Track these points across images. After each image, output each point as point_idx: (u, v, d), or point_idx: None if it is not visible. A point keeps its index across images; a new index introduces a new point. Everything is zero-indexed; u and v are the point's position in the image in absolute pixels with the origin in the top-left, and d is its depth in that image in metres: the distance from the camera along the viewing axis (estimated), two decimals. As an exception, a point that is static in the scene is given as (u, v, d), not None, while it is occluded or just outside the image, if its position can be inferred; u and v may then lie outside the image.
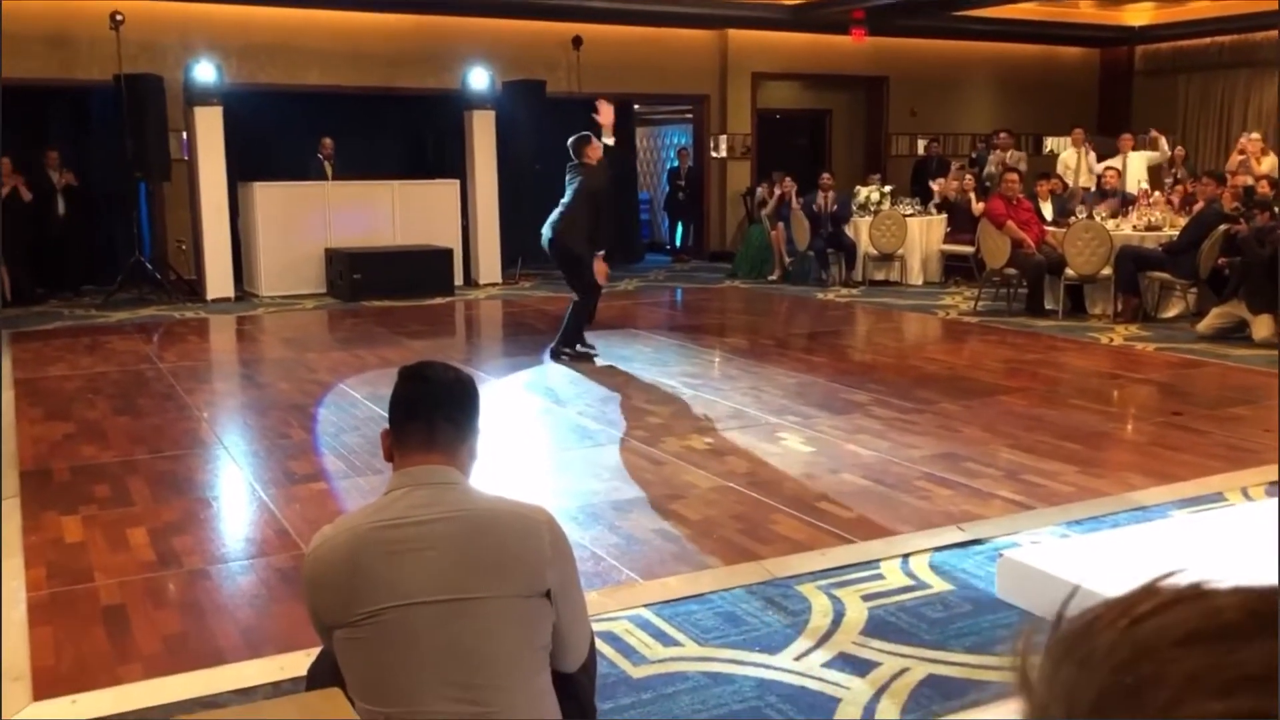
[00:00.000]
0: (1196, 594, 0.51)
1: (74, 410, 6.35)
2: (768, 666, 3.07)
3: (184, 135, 11.39)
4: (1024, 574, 3.49)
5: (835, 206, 11.94)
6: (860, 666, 3.06)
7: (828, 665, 3.08)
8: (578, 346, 7.71)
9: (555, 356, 7.69)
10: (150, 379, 7.28)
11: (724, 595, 3.56)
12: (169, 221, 11.95)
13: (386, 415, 2.03)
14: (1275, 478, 4.76)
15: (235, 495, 4.87)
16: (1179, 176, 11.73)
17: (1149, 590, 0.53)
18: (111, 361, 7.91)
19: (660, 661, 3.10)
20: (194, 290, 11.28)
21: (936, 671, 3.03)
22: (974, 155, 14.09)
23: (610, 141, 7.62)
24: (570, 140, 7.51)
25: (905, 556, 3.89)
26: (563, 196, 7.44)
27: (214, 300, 11.02)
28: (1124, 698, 0.48)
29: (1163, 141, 12.50)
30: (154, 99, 10.90)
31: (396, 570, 1.83)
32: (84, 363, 7.87)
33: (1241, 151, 11.34)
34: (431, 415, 1.95)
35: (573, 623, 1.97)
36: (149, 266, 11.21)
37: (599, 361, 7.63)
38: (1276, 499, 3.58)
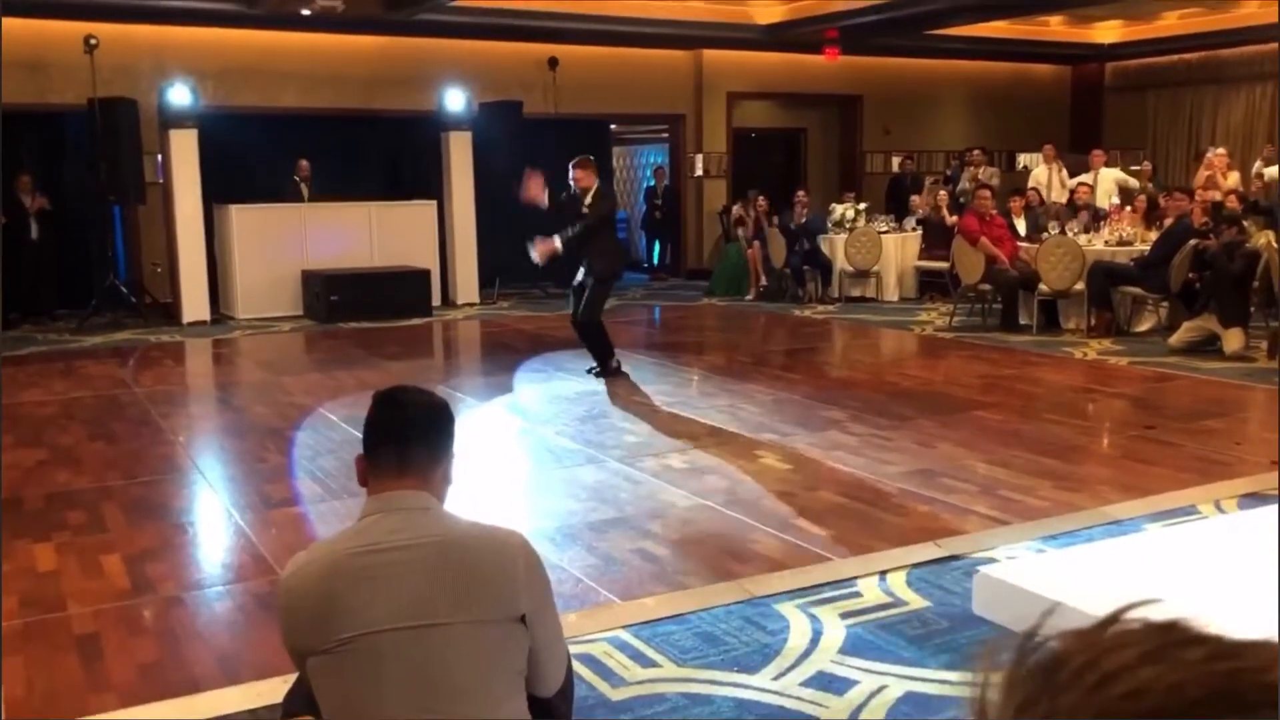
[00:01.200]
0: (1165, 654, 0.50)
1: (48, 436, 6.30)
2: (746, 686, 3.07)
3: (159, 158, 11.35)
4: (1001, 590, 3.51)
5: (804, 222, 11.99)
6: (838, 685, 3.07)
7: (806, 684, 3.08)
8: (609, 364, 7.75)
9: (609, 374, 7.69)
10: (125, 404, 7.23)
11: (702, 615, 3.56)
12: (144, 244, 11.90)
13: (361, 440, 2.03)
14: (1248, 490, 4.81)
15: (211, 520, 4.84)
16: (1148, 191, 11.85)
17: (1113, 634, 0.52)
18: (86, 386, 7.85)
19: (639, 683, 3.10)
20: (170, 313, 11.22)
21: (915, 689, 3.04)
22: (948, 172, 14.21)
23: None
24: (587, 159, 7.70)
25: (883, 574, 3.90)
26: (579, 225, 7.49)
27: (190, 323, 10.96)
28: None
29: (1145, 171, 12.72)
30: (128, 122, 10.87)
31: (368, 597, 1.82)
32: (58, 388, 7.81)
33: (1209, 167, 11.48)
34: (404, 441, 1.95)
35: (548, 647, 1.96)
36: (124, 290, 11.15)
37: (579, 379, 7.64)
38: (1277, 508, 3.61)
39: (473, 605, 1.84)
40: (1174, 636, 0.51)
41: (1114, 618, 0.53)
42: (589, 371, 7.76)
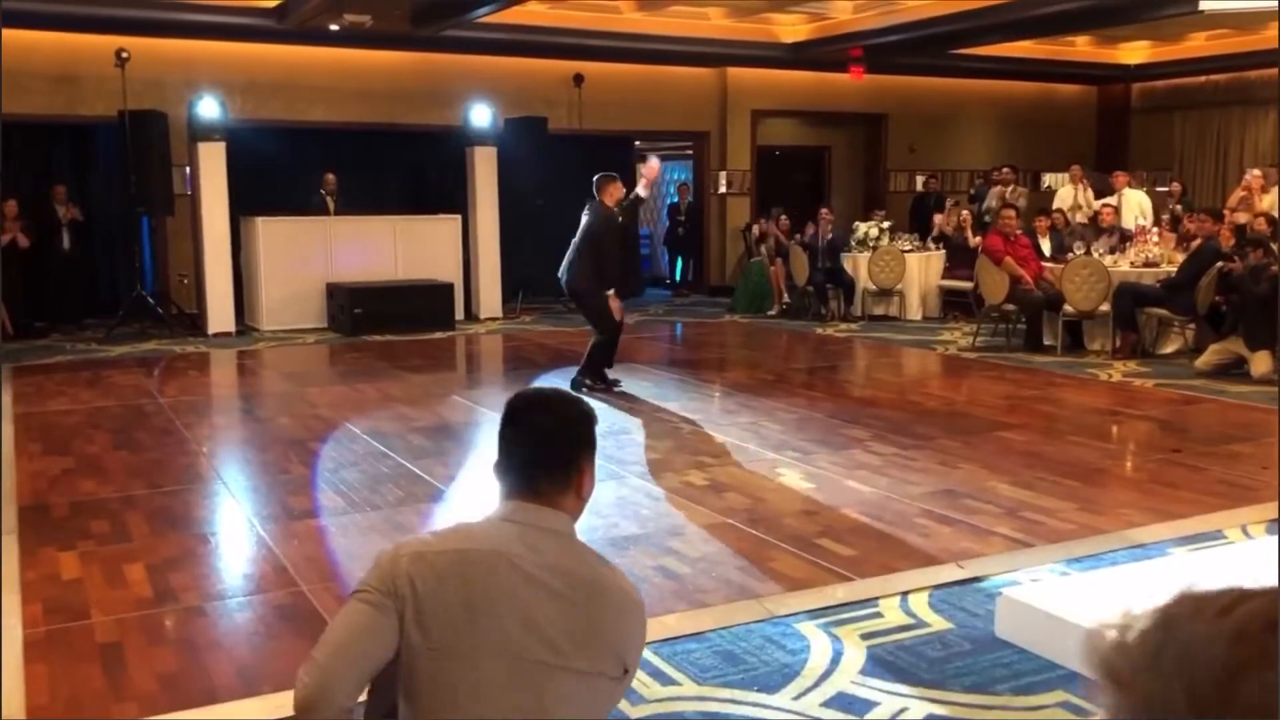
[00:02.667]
0: (1252, 592, 0.64)
1: (73, 445, 6.35)
2: (766, 706, 3.06)
3: (187, 170, 11.47)
4: (1024, 613, 3.48)
5: (829, 239, 11.98)
6: (859, 706, 3.05)
7: (826, 705, 3.06)
8: (598, 382, 7.75)
9: (575, 387, 7.71)
10: (150, 413, 7.28)
11: (723, 634, 3.54)
12: (171, 256, 12.01)
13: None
14: (1275, 515, 4.75)
15: (234, 531, 4.86)
16: (1176, 213, 11.78)
17: (1196, 595, 0.65)
18: (112, 396, 7.91)
19: (658, 701, 3.09)
20: (195, 324, 11.31)
21: (935, 711, 3.02)
22: (973, 191, 14.17)
23: (644, 194, 7.71)
24: (596, 177, 7.58)
25: (904, 594, 3.88)
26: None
27: (215, 334, 11.04)
28: (1239, 670, 0.58)
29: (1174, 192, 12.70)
30: (158, 134, 10.99)
31: (510, 613, 1.77)
32: (84, 397, 7.87)
33: (1245, 188, 11.38)
34: (527, 468, 1.89)
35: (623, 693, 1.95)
36: (151, 300, 11.25)
37: (608, 395, 7.64)
38: (1278, 536, 3.57)
39: (592, 654, 1.79)
40: (1244, 588, 0.65)
41: (1184, 591, 0.66)
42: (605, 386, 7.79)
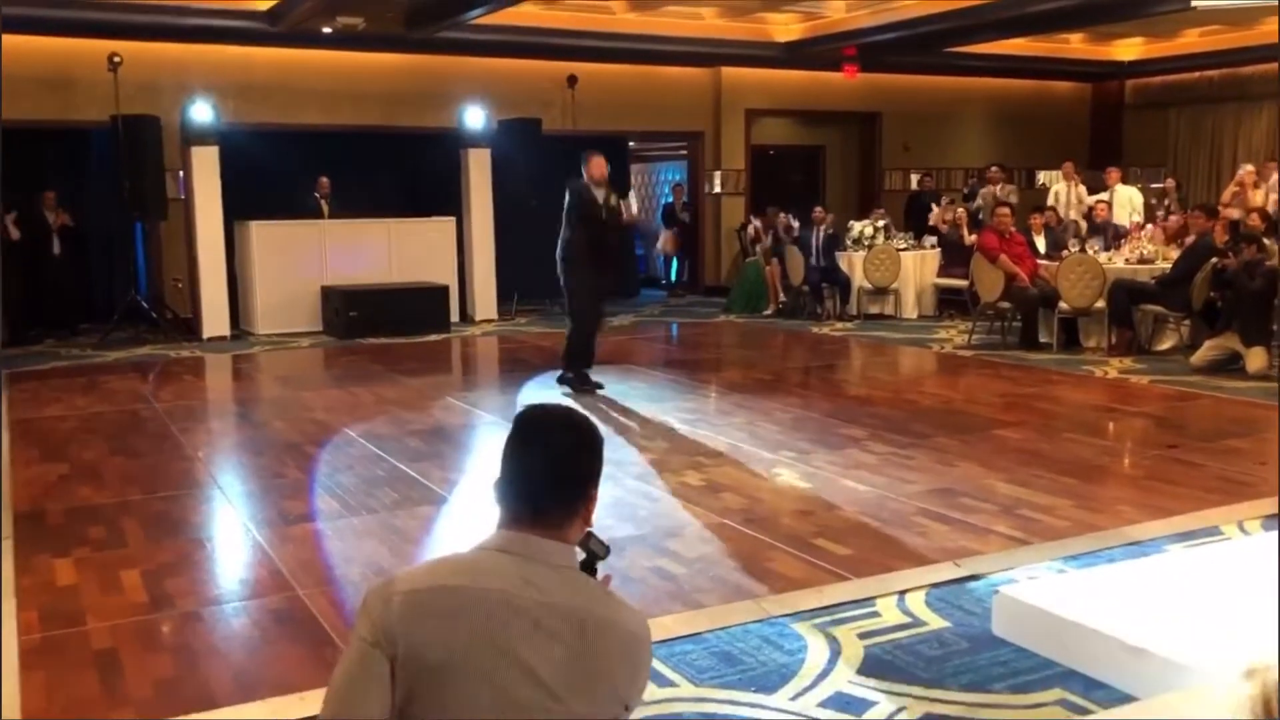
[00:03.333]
0: None
1: (69, 451, 6.34)
2: (764, 707, 3.05)
3: (181, 174, 11.46)
4: (1021, 611, 3.48)
5: (825, 239, 11.98)
6: (857, 706, 3.05)
7: (824, 705, 3.06)
8: (581, 384, 7.77)
9: (560, 382, 7.81)
10: (146, 419, 7.27)
11: (720, 634, 3.54)
12: (165, 260, 11.99)
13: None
14: (1273, 511, 4.76)
15: (229, 536, 4.85)
16: (1171, 209, 11.80)
17: None
18: (107, 401, 7.90)
19: (656, 703, 3.08)
20: (190, 328, 11.30)
21: (934, 710, 3.02)
22: (966, 190, 14.18)
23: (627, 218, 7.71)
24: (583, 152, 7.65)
25: (902, 593, 3.87)
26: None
27: (210, 338, 11.03)
28: None
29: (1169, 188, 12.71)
30: (151, 139, 10.97)
31: (511, 653, 1.69)
32: (80, 403, 7.86)
33: (1238, 184, 11.39)
34: (536, 494, 1.78)
35: None
36: (145, 305, 11.24)
37: (597, 394, 7.64)
38: (1277, 531, 3.58)
39: (592, 697, 1.71)
40: None
41: None
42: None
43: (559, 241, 7.61)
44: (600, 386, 7.80)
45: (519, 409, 1.95)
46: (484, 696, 1.67)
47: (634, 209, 7.58)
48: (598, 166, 7.53)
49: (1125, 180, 12.21)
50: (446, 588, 1.73)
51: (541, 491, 1.77)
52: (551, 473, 1.79)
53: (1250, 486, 5.17)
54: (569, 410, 1.89)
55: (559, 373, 7.92)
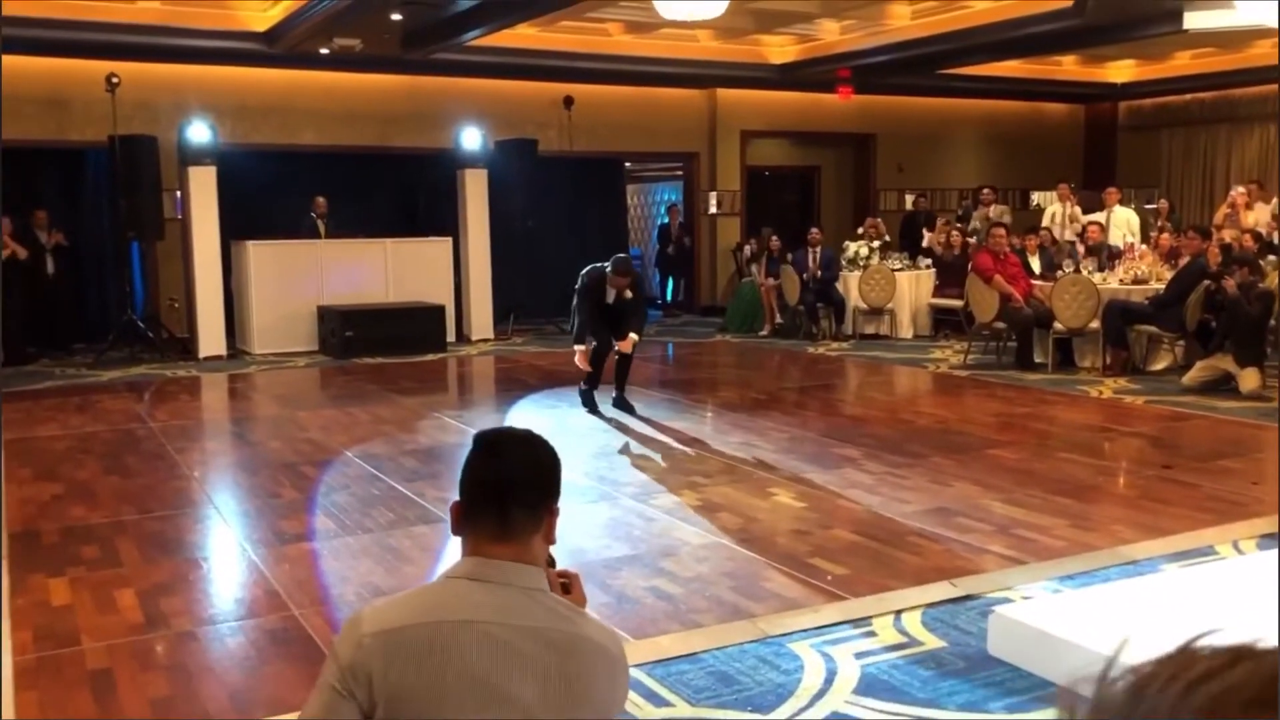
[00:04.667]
0: (1251, 654, 0.53)
1: (63, 470, 6.33)
2: (760, 726, 3.05)
3: (178, 194, 11.48)
4: (1017, 630, 3.48)
5: (821, 263, 12.03)
6: (853, 726, 3.04)
7: (820, 725, 3.06)
8: (592, 395, 7.91)
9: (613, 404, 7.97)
10: (141, 438, 7.26)
11: (716, 654, 3.54)
12: (162, 279, 12.01)
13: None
14: (1267, 530, 4.77)
15: (225, 555, 4.84)
16: (1164, 228, 11.84)
17: (1190, 653, 0.54)
18: (102, 421, 7.89)
19: (652, 722, 3.08)
20: (186, 348, 11.29)
21: (930, 730, 3.02)
22: (960, 212, 14.23)
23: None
24: (619, 262, 7.80)
25: (898, 613, 3.87)
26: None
27: (206, 358, 11.02)
28: None
29: (1162, 209, 12.77)
30: (148, 159, 11.00)
31: (467, 693, 1.67)
32: (74, 422, 7.85)
33: (1231, 205, 11.44)
34: (503, 502, 1.77)
35: None
36: (141, 325, 11.23)
37: (592, 416, 7.67)
38: (1277, 549, 3.58)
39: (578, 717, 1.71)
40: (1248, 648, 0.53)
41: (1185, 645, 0.55)
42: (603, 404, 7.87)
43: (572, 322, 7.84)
44: (595, 408, 7.85)
45: (522, 426, 1.97)
46: None
47: (632, 343, 7.81)
48: (617, 284, 7.69)
49: (1120, 201, 12.26)
50: (418, 625, 1.70)
51: (509, 497, 1.76)
52: (517, 479, 1.79)
53: (1244, 506, 5.18)
54: (527, 430, 1.91)
55: (614, 395, 7.99)
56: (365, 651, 1.66)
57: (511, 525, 1.76)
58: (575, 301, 7.80)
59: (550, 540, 1.84)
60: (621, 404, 7.87)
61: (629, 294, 7.81)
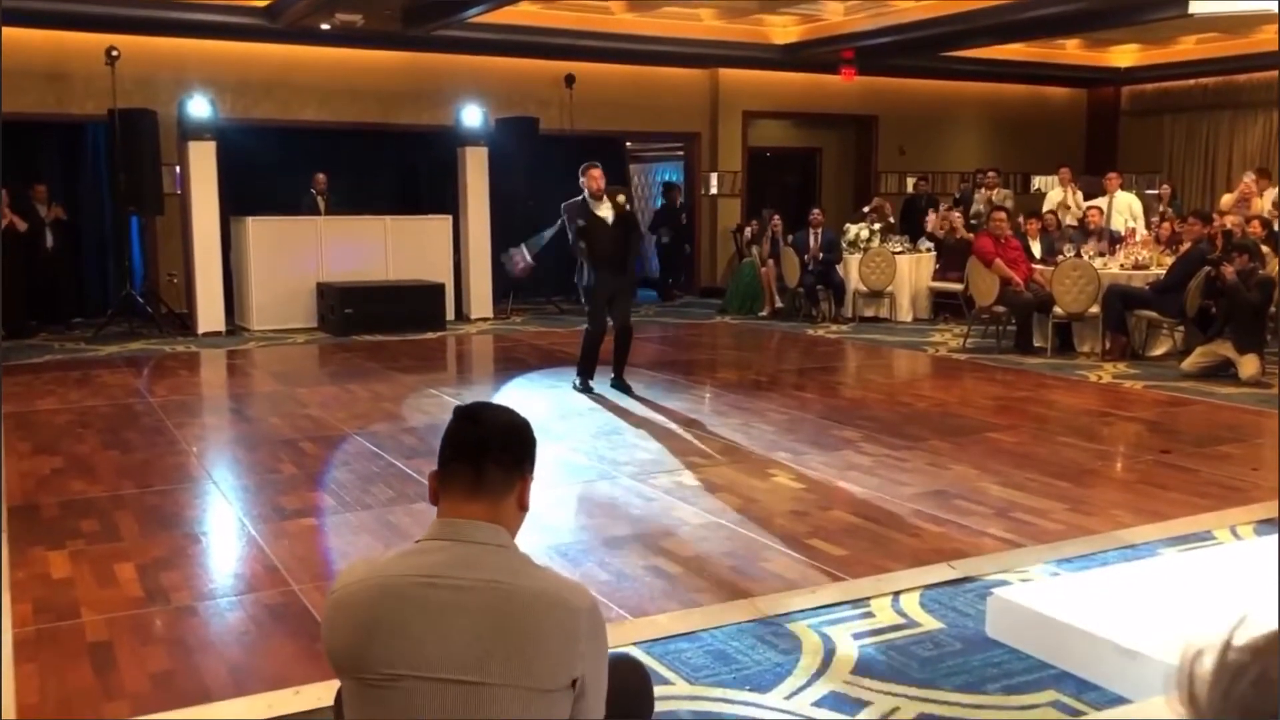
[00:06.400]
0: None
1: (63, 444, 6.33)
2: (758, 705, 3.06)
3: (177, 169, 11.44)
4: (1014, 613, 3.49)
5: (822, 245, 12.00)
6: (851, 706, 3.06)
7: (818, 704, 3.07)
8: (588, 380, 7.88)
9: (575, 385, 7.91)
10: (140, 413, 7.26)
11: (715, 633, 3.55)
12: (161, 255, 11.98)
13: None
14: (1265, 516, 4.78)
15: (224, 531, 4.85)
16: (1166, 215, 11.83)
17: None
18: (101, 395, 7.88)
19: (650, 700, 3.08)
20: (185, 324, 11.28)
21: (927, 710, 3.03)
22: (957, 195, 14.20)
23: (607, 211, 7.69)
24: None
25: (896, 594, 3.88)
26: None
27: (205, 334, 11.01)
28: None
29: (1164, 195, 12.74)
30: (148, 133, 10.96)
31: (419, 634, 1.72)
32: (74, 396, 7.84)
33: (1245, 191, 11.35)
34: (479, 458, 1.83)
35: (588, 711, 1.83)
36: (140, 300, 11.21)
37: (591, 395, 7.67)
38: (1277, 535, 3.59)
39: (528, 671, 1.72)
40: None
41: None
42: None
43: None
44: (590, 390, 7.84)
45: (513, 408, 2.00)
46: (407, 681, 1.71)
47: (526, 259, 7.62)
48: (594, 180, 7.54)
49: (1122, 187, 12.24)
50: (359, 583, 1.79)
51: (485, 455, 1.84)
52: (494, 440, 1.87)
53: (1242, 491, 5.19)
54: (505, 406, 1.99)
55: (611, 377, 7.95)
56: (324, 618, 1.82)
57: (485, 481, 1.83)
58: (571, 240, 7.60)
59: (523, 506, 1.90)
60: (620, 385, 7.86)
61: (626, 205, 7.67)
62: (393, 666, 1.71)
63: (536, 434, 1.95)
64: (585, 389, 7.82)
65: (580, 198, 7.58)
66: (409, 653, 1.71)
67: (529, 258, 7.45)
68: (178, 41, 11.48)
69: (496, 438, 1.87)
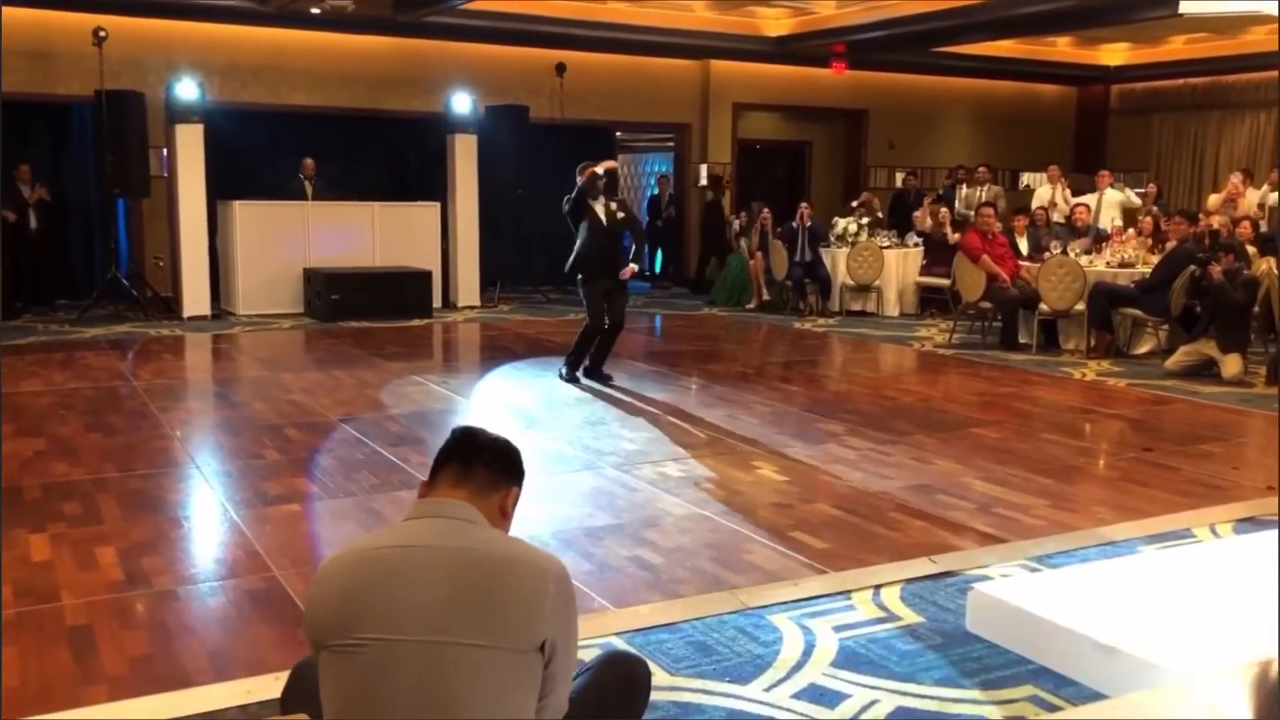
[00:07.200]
0: None
1: (45, 426, 6.30)
2: (738, 697, 3.07)
3: (164, 152, 11.37)
4: (995, 607, 3.51)
5: (810, 234, 12.01)
6: (830, 698, 3.07)
7: (797, 696, 3.08)
8: (575, 371, 7.86)
9: (561, 374, 7.90)
10: (124, 396, 7.23)
11: (695, 624, 3.56)
12: (147, 238, 11.92)
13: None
14: (1244, 515, 4.81)
15: (207, 516, 4.83)
16: (1152, 213, 11.87)
17: None
18: (85, 378, 7.85)
19: (631, 690, 3.09)
20: (170, 307, 11.23)
21: (906, 704, 3.04)
22: (940, 192, 14.21)
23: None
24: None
25: (877, 588, 3.90)
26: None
27: (190, 318, 10.97)
28: None
29: (1150, 194, 12.76)
30: (135, 115, 10.89)
31: (390, 598, 1.77)
32: (57, 378, 7.80)
33: (1232, 191, 11.39)
34: (469, 458, 1.97)
35: (557, 676, 1.88)
36: (125, 283, 11.16)
37: (578, 385, 7.67)
38: (1278, 533, 3.62)
39: (495, 631, 1.77)
40: None
41: None
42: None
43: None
44: (576, 381, 7.84)
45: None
46: (374, 642, 1.77)
47: (632, 271, 7.86)
48: (592, 179, 7.62)
49: (1114, 185, 12.27)
50: (342, 557, 1.89)
51: (476, 457, 1.97)
52: (485, 449, 2.01)
53: (1223, 490, 5.23)
54: (495, 433, 2.13)
55: (587, 364, 7.96)
56: (306, 600, 1.92)
57: (472, 476, 1.94)
58: (572, 221, 7.69)
59: (506, 513, 2.01)
60: (597, 375, 7.85)
61: (620, 213, 7.75)
62: (366, 630, 1.77)
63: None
64: (572, 380, 7.82)
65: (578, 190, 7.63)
66: (381, 612, 1.77)
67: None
68: (166, 23, 11.41)
69: (489, 448, 2.01)
